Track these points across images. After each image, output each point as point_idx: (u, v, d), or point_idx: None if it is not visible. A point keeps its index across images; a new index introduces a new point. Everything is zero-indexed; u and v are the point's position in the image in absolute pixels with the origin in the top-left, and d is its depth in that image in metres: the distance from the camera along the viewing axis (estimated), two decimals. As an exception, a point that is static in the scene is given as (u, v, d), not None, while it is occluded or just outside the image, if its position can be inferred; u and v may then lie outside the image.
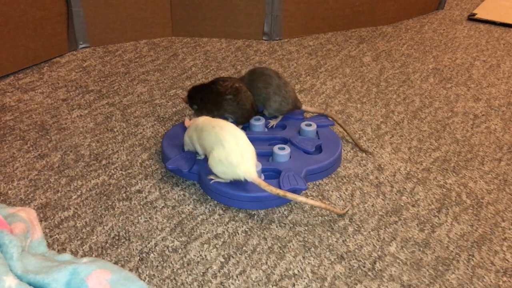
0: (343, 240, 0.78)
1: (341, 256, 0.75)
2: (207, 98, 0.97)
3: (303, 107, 1.04)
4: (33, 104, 1.16)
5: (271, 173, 0.89)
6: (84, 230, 0.79)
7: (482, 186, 0.92)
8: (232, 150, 0.80)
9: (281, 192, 0.79)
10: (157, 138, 1.04)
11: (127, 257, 0.74)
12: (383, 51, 1.51)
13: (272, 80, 1.00)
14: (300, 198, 0.80)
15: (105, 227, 0.80)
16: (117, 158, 0.97)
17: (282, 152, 0.90)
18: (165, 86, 1.26)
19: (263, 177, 0.88)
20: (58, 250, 0.75)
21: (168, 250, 0.76)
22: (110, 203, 0.85)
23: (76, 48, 1.45)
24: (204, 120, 0.88)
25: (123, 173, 0.93)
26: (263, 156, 0.92)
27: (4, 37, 1.23)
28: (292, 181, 0.84)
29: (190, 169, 0.89)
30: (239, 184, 0.83)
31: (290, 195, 0.79)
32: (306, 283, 0.71)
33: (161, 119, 1.11)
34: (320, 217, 0.83)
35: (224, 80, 0.97)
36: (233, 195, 0.83)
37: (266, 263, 0.74)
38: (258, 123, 1.00)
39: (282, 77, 1.02)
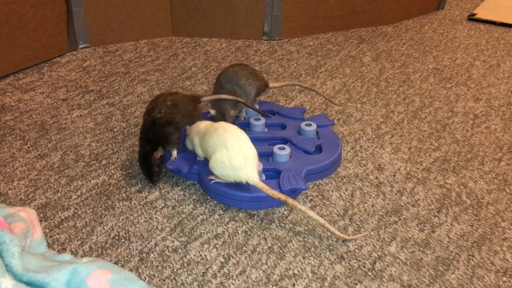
0: (343, 240, 0.78)
1: (341, 256, 0.75)
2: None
3: (270, 84, 1.07)
4: (33, 104, 1.16)
5: (271, 173, 0.89)
6: (84, 230, 0.79)
7: (482, 186, 0.92)
8: (235, 153, 0.80)
9: (282, 197, 0.79)
10: (157, 138, 1.04)
11: (127, 257, 0.74)
12: (383, 51, 1.51)
13: (236, 69, 1.01)
14: (304, 208, 0.77)
15: (105, 227, 0.80)
16: (117, 158, 0.97)
17: (282, 152, 0.90)
18: (165, 86, 1.26)
19: (264, 177, 0.88)
20: (58, 250, 0.75)
21: (168, 250, 0.76)
22: (110, 203, 0.85)
23: (76, 48, 1.45)
24: (206, 124, 0.88)
25: (123, 173, 0.93)
26: (263, 156, 0.92)
27: (4, 37, 1.23)
28: (292, 181, 0.84)
29: (190, 170, 0.89)
30: (239, 185, 0.83)
31: (291, 201, 0.78)
32: (306, 283, 0.71)
33: (161, 119, 1.11)
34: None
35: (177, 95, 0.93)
36: (233, 195, 0.83)
37: (266, 263, 0.74)
38: (258, 123, 1.00)
39: (247, 65, 1.04)
